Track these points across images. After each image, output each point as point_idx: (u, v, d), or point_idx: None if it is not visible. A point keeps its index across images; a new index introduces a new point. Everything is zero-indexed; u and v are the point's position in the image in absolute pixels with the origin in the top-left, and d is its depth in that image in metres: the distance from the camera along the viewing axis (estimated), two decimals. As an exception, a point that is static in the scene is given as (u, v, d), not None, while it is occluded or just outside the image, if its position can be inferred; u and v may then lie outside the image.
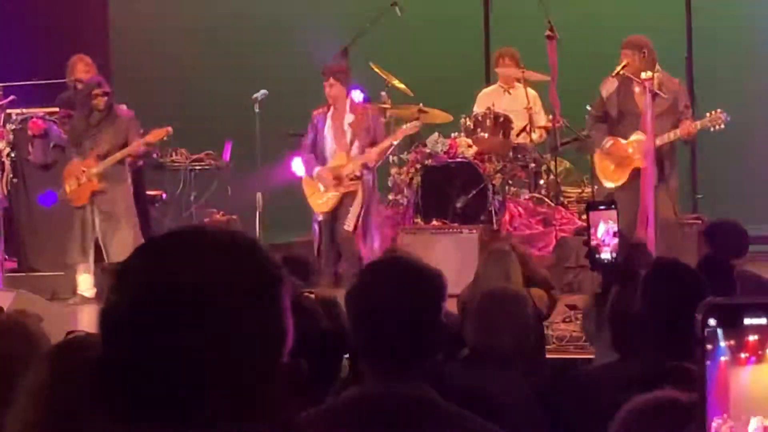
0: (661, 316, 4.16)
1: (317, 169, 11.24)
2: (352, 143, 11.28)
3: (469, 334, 5.21)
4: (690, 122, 10.38)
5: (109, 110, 11.41)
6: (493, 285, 5.98)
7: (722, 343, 1.39)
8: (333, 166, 11.19)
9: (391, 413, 3.24)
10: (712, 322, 1.40)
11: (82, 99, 11.57)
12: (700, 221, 11.16)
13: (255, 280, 1.79)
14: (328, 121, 11.28)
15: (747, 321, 1.38)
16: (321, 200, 11.22)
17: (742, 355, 1.38)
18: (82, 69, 12.15)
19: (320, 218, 11.24)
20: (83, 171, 11.35)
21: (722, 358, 1.39)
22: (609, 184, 10.54)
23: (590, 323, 6.01)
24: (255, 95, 11.84)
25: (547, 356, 7.09)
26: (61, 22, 14.57)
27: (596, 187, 11.05)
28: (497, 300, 5.30)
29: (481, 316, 5.19)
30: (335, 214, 11.17)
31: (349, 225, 11.00)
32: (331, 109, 11.33)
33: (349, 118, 11.28)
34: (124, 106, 11.63)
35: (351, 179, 11.12)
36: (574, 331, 8.13)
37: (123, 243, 10.90)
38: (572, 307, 8.58)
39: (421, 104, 12.27)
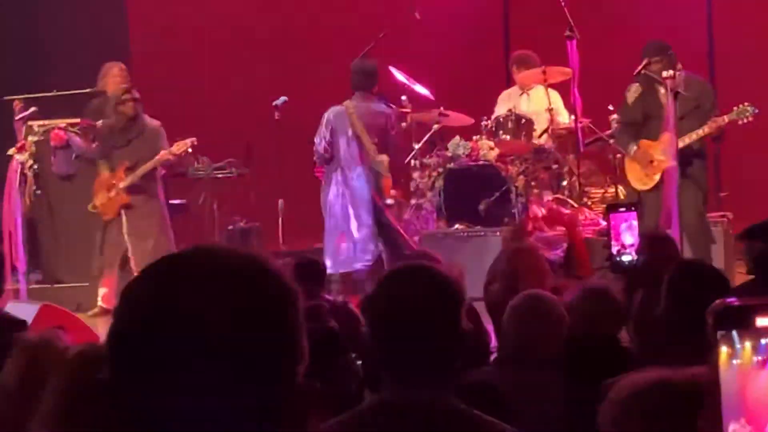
0: (685, 317, 4.15)
1: None
2: None
3: (507, 336, 5.20)
4: (721, 119, 10.42)
5: (137, 119, 11.45)
6: (527, 286, 5.97)
7: (738, 346, 1.38)
8: None
9: (414, 421, 3.25)
10: (724, 325, 1.38)
11: (111, 105, 11.62)
12: (725, 219, 11.15)
13: (262, 306, 1.79)
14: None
15: (761, 322, 1.37)
16: None
17: (759, 358, 1.37)
18: (116, 73, 12.20)
19: None
20: (113, 184, 11.40)
21: (737, 362, 1.37)
22: (641, 187, 10.58)
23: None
24: (275, 102, 11.88)
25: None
26: (81, 33, 14.62)
27: (629, 188, 11.05)
28: (537, 303, 5.28)
29: (521, 318, 5.17)
30: None
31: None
32: None
33: None
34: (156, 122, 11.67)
35: None
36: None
37: (152, 258, 10.84)
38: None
39: (441, 107, 12.32)
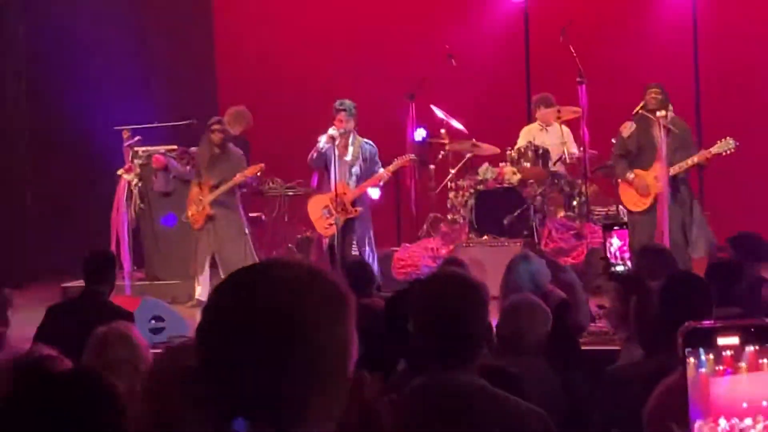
0: (676, 320, 4.13)
1: None
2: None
3: (502, 329, 5.26)
4: (707, 151, 10.37)
5: (223, 146, 11.48)
6: (517, 289, 6.00)
7: (703, 358, 1.40)
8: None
9: (451, 398, 3.29)
10: (691, 343, 1.40)
11: (203, 134, 11.66)
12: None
13: (324, 305, 1.79)
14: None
15: (721, 341, 1.39)
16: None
17: (720, 368, 1.38)
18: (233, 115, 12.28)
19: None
20: (200, 200, 11.45)
21: (703, 370, 1.39)
22: (634, 209, 10.53)
23: (614, 320, 5.98)
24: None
25: (583, 348, 7.01)
26: (175, 71, 14.68)
27: (623, 208, 10.99)
28: (521, 305, 5.31)
29: (509, 317, 5.21)
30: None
31: None
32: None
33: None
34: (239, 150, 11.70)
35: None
36: (603, 327, 8.07)
37: (233, 260, 10.86)
38: (601, 307, 8.52)
39: (473, 139, 12.31)
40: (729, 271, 6.38)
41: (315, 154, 10.86)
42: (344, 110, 10.85)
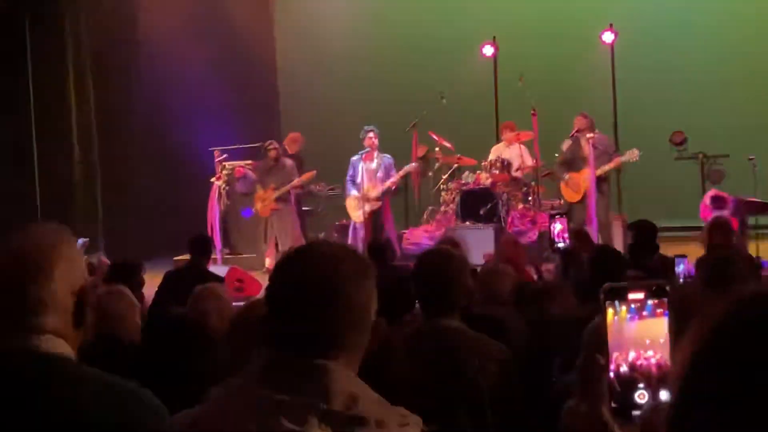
0: (601, 280, 4.10)
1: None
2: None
3: (480, 288, 5.19)
4: (619, 158, 10.33)
5: (277, 160, 11.45)
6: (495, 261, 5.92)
7: (618, 308, 1.39)
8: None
9: (439, 337, 3.25)
10: (610, 297, 1.40)
11: (262, 152, 11.65)
12: (622, 219, 11.04)
13: (354, 272, 1.78)
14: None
15: (631, 295, 1.38)
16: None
17: (630, 315, 1.38)
18: (290, 140, 12.18)
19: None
20: (265, 198, 11.45)
21: (617, 317, 1.39)
22: (571, 200, 10.54)
23: (558, 280, 5.94)
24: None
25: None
26: (248, 104, 14.66)
27: (563, 201, 10.95)
28: (493, 270, 5.26)
29: (485, 278, 5.15)
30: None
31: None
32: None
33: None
34: (290, 161, 11.68)
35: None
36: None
37: (289, 240, 10.90)
38: (548, 271, 8.47)
39: (459, 155, 12.31)
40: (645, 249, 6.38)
41: (349, 184, 11.11)
42: (373, 131, 10.96)
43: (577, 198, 10.49)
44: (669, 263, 5.81)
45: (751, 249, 9.34)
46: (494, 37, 13.19)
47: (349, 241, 10.70)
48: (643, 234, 7.01)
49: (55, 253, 1.83)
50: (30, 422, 1.71)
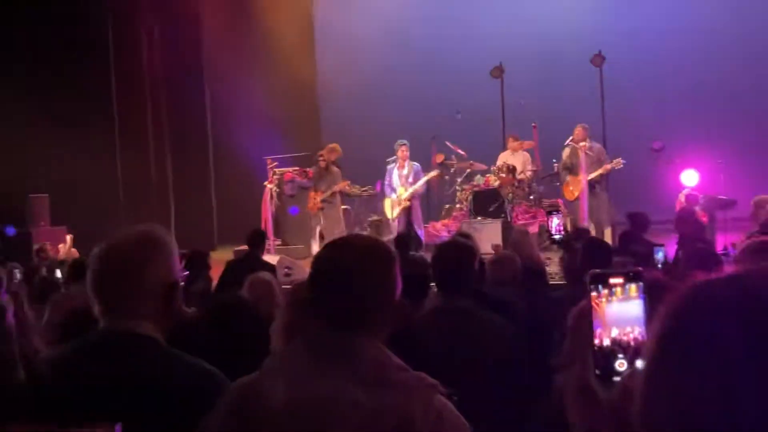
0: (591, 265, 4.07)
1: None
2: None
3: (490, 273, 5.11)
4: (607, 165, 10.26)
5: (326, 168, 11.45)
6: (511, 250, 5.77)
7: (601, 291, 1.39)
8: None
9: (452, 316, 3.22)
10: (594, 282, 1.39)
11: (314, 161, 11.67)
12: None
13: (380, 259, 1.77)
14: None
15: (612, 280, 1.38)
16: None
17: (611, 297, 1.38)
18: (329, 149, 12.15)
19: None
20: (315, 198, 11.48)
21: (601, 299, 1.39)
22: (569, 198, 10.52)
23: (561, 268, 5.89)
24: (389, 160, 11.57)
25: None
26: (292, 118, 14.63)
27: (564, 199, 10.90)
28: (501, 258, 5.21)
29: (494, 265, 5.09)
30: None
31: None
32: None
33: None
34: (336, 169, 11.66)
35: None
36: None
37: (331, 233, 10.87)
38: (548, 258, 8.40)
39: (471, 161, 12.23)
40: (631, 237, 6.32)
41: (387, 188, 11.17)
42: (405, 145, 11.13)
43: (574, 197, 10.59)
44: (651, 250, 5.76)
45: (719, 240, 9.28)
46: (500, 63, 13.13)
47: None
48: (635, 223, 6.98)
49: (155, 249, 1.85)
50: (124, 393, 1.75)
